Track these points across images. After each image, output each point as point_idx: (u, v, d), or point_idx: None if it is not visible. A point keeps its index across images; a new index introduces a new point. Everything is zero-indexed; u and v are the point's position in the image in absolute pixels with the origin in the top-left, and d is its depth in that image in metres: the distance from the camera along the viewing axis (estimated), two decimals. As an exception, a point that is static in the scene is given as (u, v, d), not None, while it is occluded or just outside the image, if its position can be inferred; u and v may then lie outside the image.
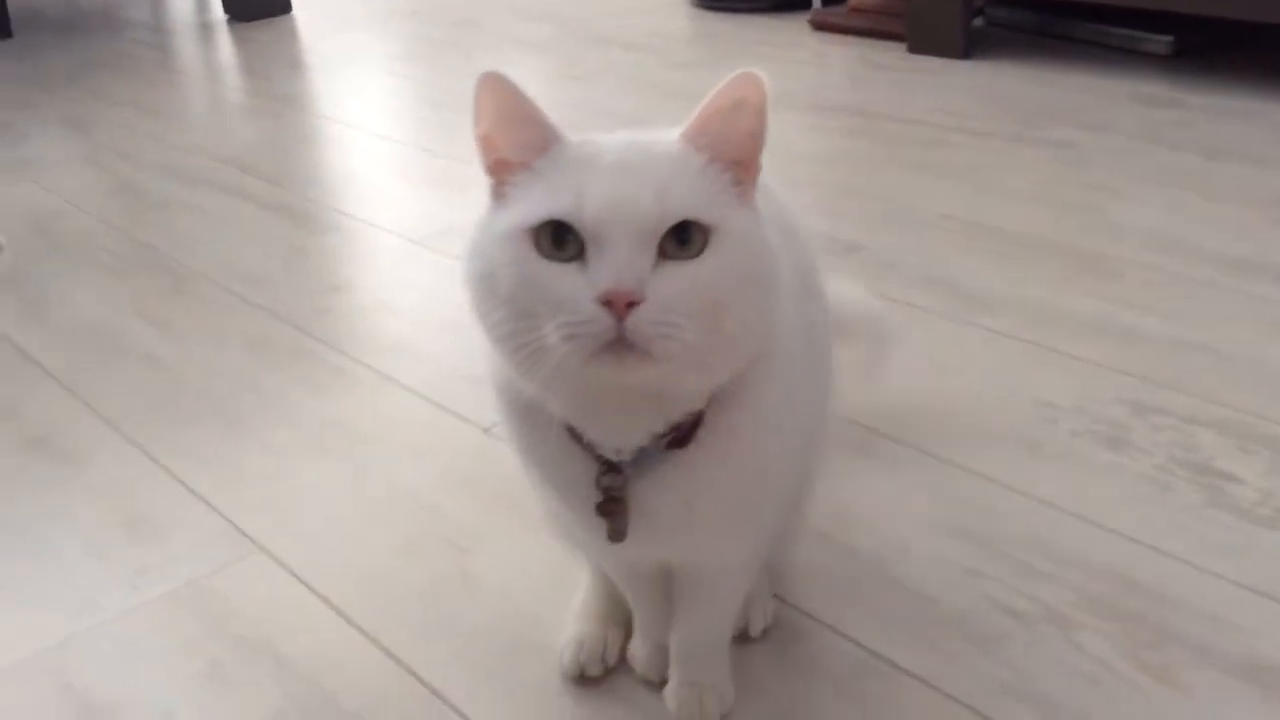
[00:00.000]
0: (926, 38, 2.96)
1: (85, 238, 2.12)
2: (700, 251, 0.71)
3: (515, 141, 0.74)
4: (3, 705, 1.07)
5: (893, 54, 2.98)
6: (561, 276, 0.69)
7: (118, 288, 1.91)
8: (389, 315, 1.79)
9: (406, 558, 1.23)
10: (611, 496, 0.80)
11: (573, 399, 0.74)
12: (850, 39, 3.16)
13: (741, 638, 1.06)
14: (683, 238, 0.70)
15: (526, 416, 0.81)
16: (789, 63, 2.99)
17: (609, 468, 0.80)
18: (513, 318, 0.71)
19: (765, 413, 0.81)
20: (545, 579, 1.17)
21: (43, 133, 2.78)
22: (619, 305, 0.67)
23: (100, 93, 3.09)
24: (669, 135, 0.75)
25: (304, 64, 3.36)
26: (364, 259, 2.04)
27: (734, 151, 0.74)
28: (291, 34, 3.65)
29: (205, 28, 3.85)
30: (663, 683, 1.02)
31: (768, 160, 0.77)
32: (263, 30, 3.70)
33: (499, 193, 0.75)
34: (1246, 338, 1.54)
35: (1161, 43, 2.80)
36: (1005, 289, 1.72)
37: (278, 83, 3.15)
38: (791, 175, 2.14)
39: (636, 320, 0.67)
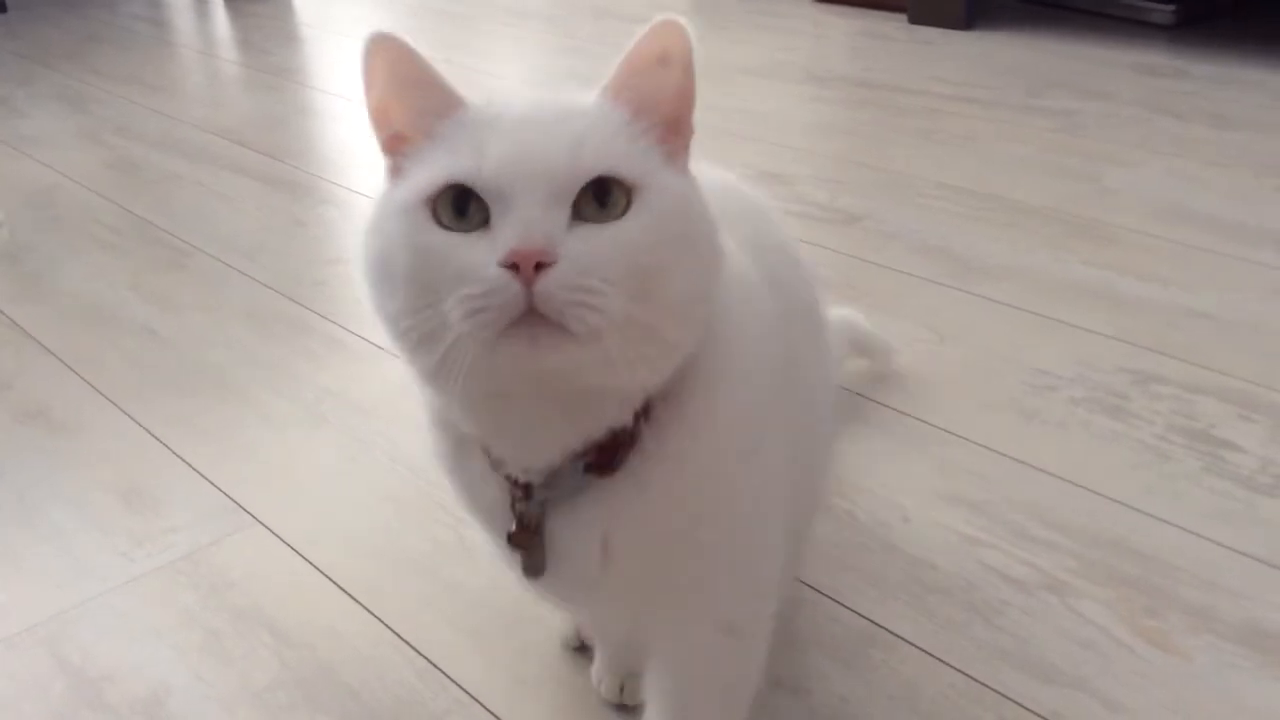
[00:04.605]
0: (928, 8, 2.94)
1: (82, 213, 2.11)
2: (623, 213, 0.61)
3: (412, 108, 0.65)
4: None
5: (893, 24, 2.96)
6: (463, 245, 0.59)
7: (115, 262, 1.91)
8: (386, 288, 1.78)
9: (404, 528, 1.23)
10: (523, 526, 0.70)
11: (476, 400, 0.64)
12: (851, 10, 3.14)
13: None
14: (602, 199, 0.60)
15: (451, 434, 0.73)
16: (790, 34, 2.97)
17: (525, 492, 0.70)
18: (411, 300, 0.61)
19: (716, 441, 0.69)
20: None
21: (40, 108, 2.77)
22: (526, 267, 0.57)
23: (97, 68, 3.08)
24: (586, 95, 0.66)
25: (301, 37, 3.35)
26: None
27: (661, 110, 0.65)
28: (288, 7, 3.64)
29: (201, 2, 3.83)
30: (637, 706, 0.95)
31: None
32: (259, 4, 3.68)
33: (396, 168, 0.66)
34: (1247, 305, 1.53)
35: (1164, 12, 2.79)
36: (1005, 258, 1.71)
37: (275, 56, 3.13)
38: (792, 146, 2.14)
39: (548, 284, 0.57)
